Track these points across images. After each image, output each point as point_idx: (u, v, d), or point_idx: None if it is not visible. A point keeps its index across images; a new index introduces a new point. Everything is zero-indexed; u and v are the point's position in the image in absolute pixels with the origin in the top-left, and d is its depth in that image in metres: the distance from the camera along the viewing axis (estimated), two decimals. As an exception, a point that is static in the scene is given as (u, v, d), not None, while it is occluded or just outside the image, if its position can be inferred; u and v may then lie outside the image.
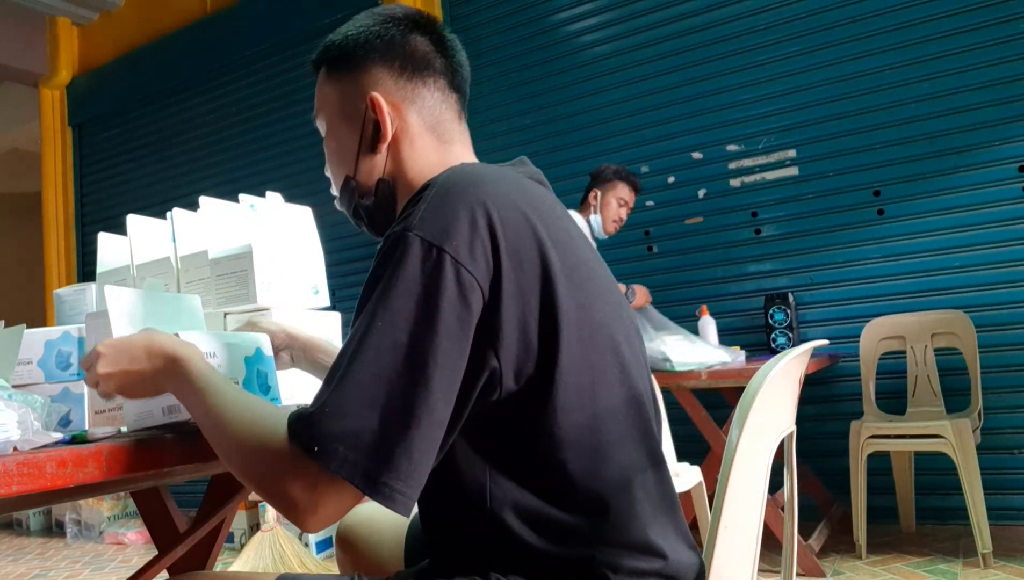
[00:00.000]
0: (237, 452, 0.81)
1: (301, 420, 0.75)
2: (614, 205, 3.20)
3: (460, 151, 1.01)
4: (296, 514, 0.75)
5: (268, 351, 1.12)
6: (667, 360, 2.74)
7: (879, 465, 3.11)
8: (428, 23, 1.01)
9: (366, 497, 0.74)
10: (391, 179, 1.00)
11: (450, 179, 0.84)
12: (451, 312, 0.75)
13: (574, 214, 3.23)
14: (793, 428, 1.01)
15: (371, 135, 0.99)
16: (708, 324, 3.18)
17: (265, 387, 1.09)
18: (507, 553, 0.82)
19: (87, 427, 1.17)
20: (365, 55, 0.99)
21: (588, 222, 3.22)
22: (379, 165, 1.00)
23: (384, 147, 0.99)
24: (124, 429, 1.03)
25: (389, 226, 0.83)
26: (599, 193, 3.21)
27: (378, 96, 0.98)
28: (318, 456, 0.72)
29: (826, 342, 1.18)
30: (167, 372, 0.89)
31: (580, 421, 0.82)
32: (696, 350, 2.81)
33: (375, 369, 0.74)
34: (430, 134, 0.99)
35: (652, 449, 0.90)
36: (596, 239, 3.25)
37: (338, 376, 0.75)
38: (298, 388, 1.35)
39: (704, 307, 3.28)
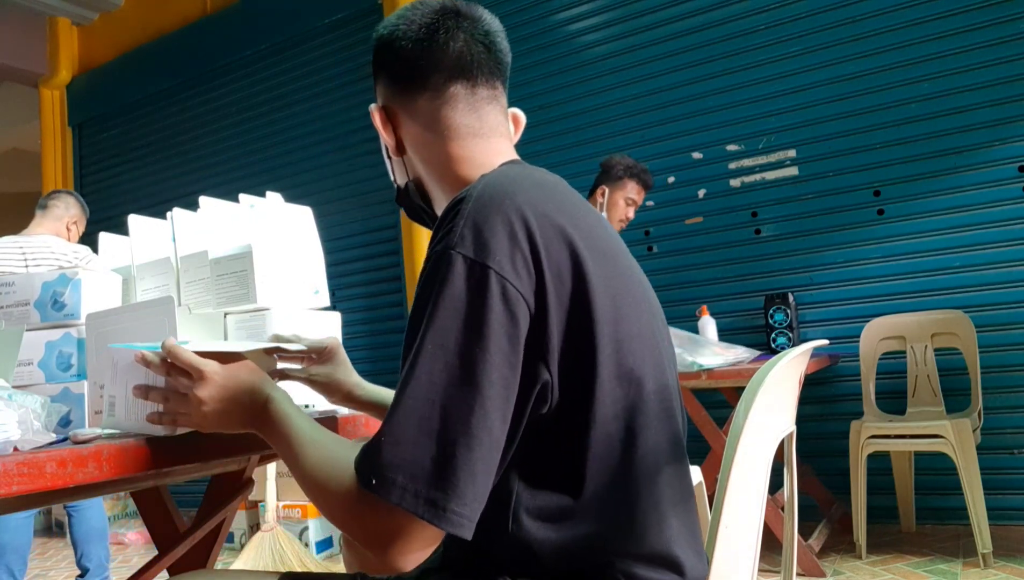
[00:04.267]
0: (320, 498, 0.80)
1: (363, 454, 0.75)
2: (621, 205, 3.09)
3: (497, 145, 0.99)
4: (378, 552, 0.73)
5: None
6: (694, 362, 2.72)
7: (879, 465, 3.11)
8: (446, 17, 0.97)
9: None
10: (417, 181, 1.02)
11: (485, 191, 0.83)
12: (500, 329, 0.74)
13: None
14: (793, 428, 1.01)
15: (390, 143, 1.01)
16: (708, 324, 3.18)
17: None
18: (523, 557, 0.81)
19: (87, 427, 1.17)
20: (378, 67, 1.01)
21: None
22: (405, 168, 1.02)
23: (401, 154, 1.01)
24: (107, 431, 1.03)
25: (433, 221, 0.82)
26: (607, 191, 3.09)
27: (373, 109, 1.00)
28: (377, 489, 0.71)
29: (826, 342, 1.18)
30: (260, 418, 0.89)
31: (613, 432, 0.81)
32: (724, 352, 2.80)
33: (429, 394, 0.73)
34: (454, 132, 0.97)
35: (680, 457, 0.90)
36: None
37: (393, 405, 0.74)
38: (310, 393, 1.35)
39: (704, 307, 3.28)
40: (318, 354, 1.18)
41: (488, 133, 0.98)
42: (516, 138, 1.06)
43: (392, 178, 1.06)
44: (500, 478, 0.79)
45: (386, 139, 1.00)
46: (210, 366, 0.91)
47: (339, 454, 0.80)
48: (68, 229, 3.23)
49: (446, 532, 0.72)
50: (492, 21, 1.01)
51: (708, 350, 2.82)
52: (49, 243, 2.98)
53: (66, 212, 3.24)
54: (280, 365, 1.19)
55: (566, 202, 0.88)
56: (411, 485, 0.71)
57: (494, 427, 0.73)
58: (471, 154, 0.97)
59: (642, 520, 0.82)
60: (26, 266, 2.87)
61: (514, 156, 1.01)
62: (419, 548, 0.74)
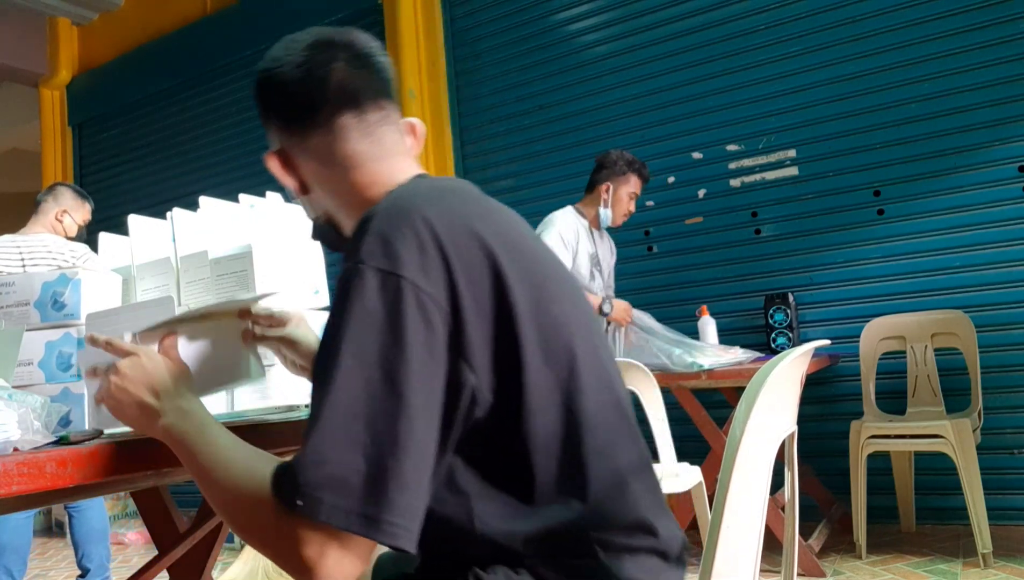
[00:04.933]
0: (236, 521, 0.79)
1: (283, 474, 0.73)
2: (625, 200, 3.14)
3: (398, 164, 0.98)
4: (308, 576, 0.71)
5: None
6: (693, 363, 2.73)
7: (879, 465, 3.11)
8: (319, 49, 0.96)
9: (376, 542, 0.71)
10: (327, 215, 1.02)
11: (391, 205, 0.84)
12: (418, 337, 0.74)
13: (568, 210, 3.20)
14: (794, 428, 1.01)
15: (292, 185, 1.02)
16: (708, 324, 3.17)
17: None
18: (496, 552, 0.81)
19: (87, 427, 1.17)
20: (264, 112, 1.01)
21: (595, 215, 3.19)
22: (313, 205, 1.03)
23: (307, 193, 1.01)
24: (106, 431, 1.03)
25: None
26: (611, 186, 3.13)
27: (268, 156, 1.00)
28: (304, 510, 0.70)
29: (828, 342, 1.18)
30: (167, 425, 0.87)
31: (552, 417, 0.81)
32: (724, 353, 2.80)
33: (351, 408, 0.72)
34: (352, 161, 0.96)
35: (627, 425, 0.90)
36: (600, 229, 3.25)
37: (312, 421, 0.72)
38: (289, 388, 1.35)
39: (704, 307, 3.28)
40: (287, 320, 1.20)
41: (386, 155, 0.97)
42: (419, 148, 1.05)
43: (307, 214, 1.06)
44: (455, 483, 0.80)
45: (287, 183, 1.00)
46: (125, 362, 0.91)
47: (254, 470, 0.78)
48: (59, 220, 3.17)
49: (386, 545, 0.71)
50: (367, 41, 0.99)
51: (708, 350, 2.82)
52: (46, 242, 2.97)
53: (55, 204, 3.17)
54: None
55: (473, 204, 0.89)
56: (340, 502, 0.69)
57: (421, 436, 0.73)
58: (373, 179, 0.96)
59: (604, 493, 0.82)
60: (23, 266, 2.86)
61: (418, 170, 1.00)
62: (350, 568, 0.72)
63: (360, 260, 0.77)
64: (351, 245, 0.81)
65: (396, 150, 0.98)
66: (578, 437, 0.82)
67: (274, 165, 1.00)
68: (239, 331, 1.12)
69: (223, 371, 1.09)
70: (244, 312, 1.13)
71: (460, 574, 0.82)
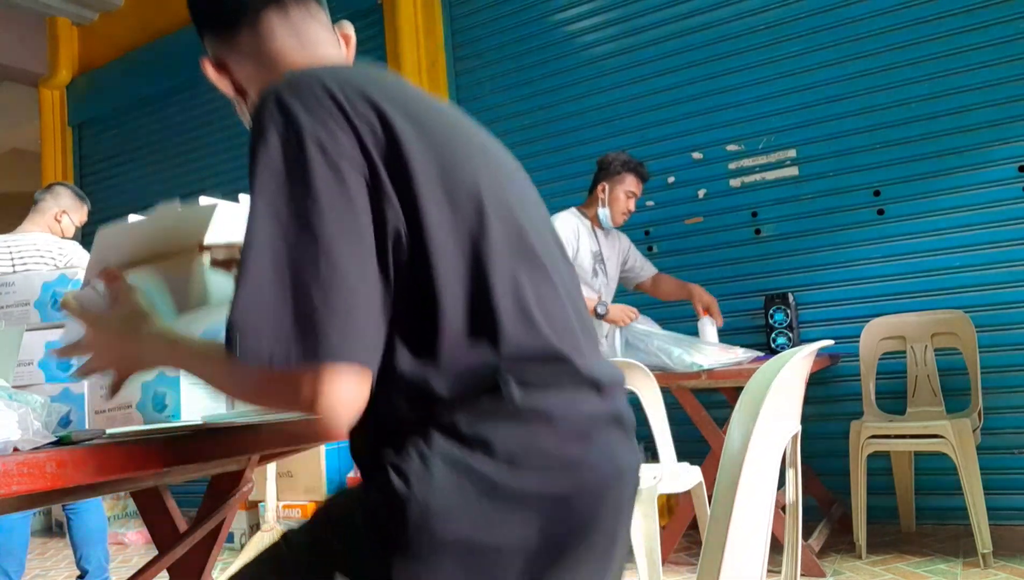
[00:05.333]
0: (247, 396, 0.84)
1: (227, 334, 0.75)
2: (622, 198, 3.17)
3: (323, 53, 1.00)
4: (312, 410, 0.74)
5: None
6: (693, 363, 2.73)
7: (879, 465, 3.11)
8: None
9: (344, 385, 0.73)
10: None
11: (290, 74, 0.87)
12: (324, 180, 0.76)
13: (571, 211, 3.22)
14: (799, 428, 1.01)
15: (226, 89, 1.04)
16: (707, 325, 3.17)
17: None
18: (416, 393, 0.80)
19: (87, 427, 1.17)
20: (196, 20, 1.04)
21: (596, 215, 3.21)
22: (247, 109, 1.04)
23: (243, 95, 1.03)
24: (110, 431, 1.03)
25: None
26: (607, 186, 3.17)
27: (204, 62, 1.02)
28: (258, 359, 0.73)
29: (831, 342, 1.17)
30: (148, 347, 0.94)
31: (458, 263, 0.82)
32: (719, 352, 2.80)
33: (274, 259, 0.75)
34: (280, 56, 0.98)
35: (532, 255, 0.88)
36: (604, 229, 3.26)
37: (239, 277, 0.75)
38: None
39: (703, 308, 3.28)
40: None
41: (311, 46, 0.99)
42: (350, 56, 1.06)
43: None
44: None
45: (222, 87, 1.02)
46: (91, 316, 0.99)
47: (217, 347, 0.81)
48: (58, 220, 3.17)
49: (346, 366, 0.73)
50: None
51: (708, 350, 2.82)
52: (36, 241, 2.97)
53: (55, 204, 3.18)
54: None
55: (377, 77, 0.90)
56: (279, 347, 0.72)
57: (346, 271, 0.74)
58: (324, 56, 1.00)
59: (513, 328, 0.82)
60: (13, 267, 2.86)
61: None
62: (344, 394, 0.74)
63: (262, 120, 0.80)
64: (252, 114, 0.84)
65: (322, 44, 1.00)
66: (480, 272, 0.82)
67: (210, 71, 1.02)
68: (194, 263, 1.14)
69: (183, 299, 1.11)
70: (202, 246, 1.15)
71: (377, 464, 0.80)
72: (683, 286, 3.34)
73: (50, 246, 2.97)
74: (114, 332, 0.97)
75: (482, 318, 0.81)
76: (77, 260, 2.97)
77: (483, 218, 0.84)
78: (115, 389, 0.98)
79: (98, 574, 2.97)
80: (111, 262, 1.08)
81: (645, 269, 3.47)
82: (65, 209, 3.20)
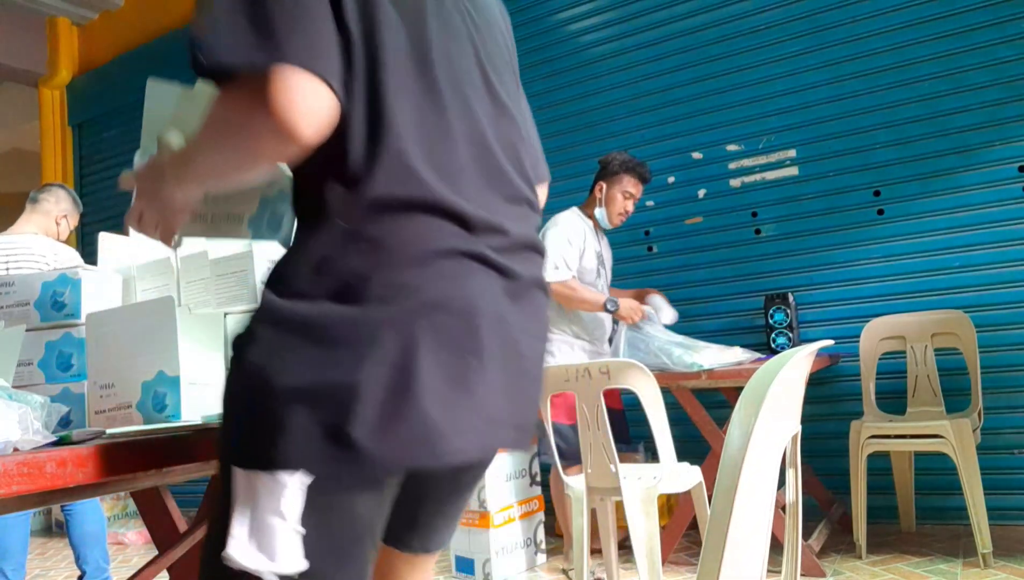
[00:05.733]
0: (228, 134, 0.82)
1: (197, 61, 0.76)
2: (619, 199, 3.13)
3: None
4: (278, 119, 0.74)
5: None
6: (694, 363, 2.73)
7: (879, 465, 3.11)
8: None
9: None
10: None
11: None
12: None
13: (573, 210, 3.19)
14: (799, 428, 1.01)
15: None
16: (656, 299, 3.12)
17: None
18: (342, 205, 0.82)
19: (88, 427, 1.17)
20: None
21: (593, 215, 3.19)
22: None
23: None
24: (110, 431, 1.03)
25: None
26: (604, 186, 3.14)
27: None
28: (229, 71, 0.75)
29: (831, 342, 1.17)
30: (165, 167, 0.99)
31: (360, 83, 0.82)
32: (720, 353, 2.80)
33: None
34: None
35: (427, 70, 0.88)
36: (603, 229, 3.23)
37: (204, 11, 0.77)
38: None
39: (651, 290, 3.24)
40: None
41: None
42: None
43: None
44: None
45: None
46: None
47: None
48: (57, 224, 3.17)
49: (305, 72, 0.74)
50: None
51: (708, 350, 2.82)
52: (30, 244, 2.95)
53: (56, 206, 3.17)
54: None
55: None
56: (240, 51, 0.74)
57: (307, 5, 0.76)
58: None
59: (366, 159, 0.82)
60: (7, 268, 2.85)
61: None
62: (295, 98, 0.73)
63: None
64: None
65: None
66: (373, 90, 0.83)
67: None
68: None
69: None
70: None
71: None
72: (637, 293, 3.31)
73: (44, 250, 2.96)
74: (144, 176, 1.04)
75: (338, 149, 0.81)
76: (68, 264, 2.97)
77: (379, 48, 0.83)
78: (167, 237, 1.01)
79: (96, 575, 2.96)
80: (159, 125, 1.09)
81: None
82: (65, 213, 3.20)
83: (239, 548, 0.77)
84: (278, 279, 0.83)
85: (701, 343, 2.89)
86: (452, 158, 0.88)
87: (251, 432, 0.79)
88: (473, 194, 0.88)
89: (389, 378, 0.77)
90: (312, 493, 0.77)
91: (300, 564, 0.77)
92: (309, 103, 0.74)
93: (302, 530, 0.77)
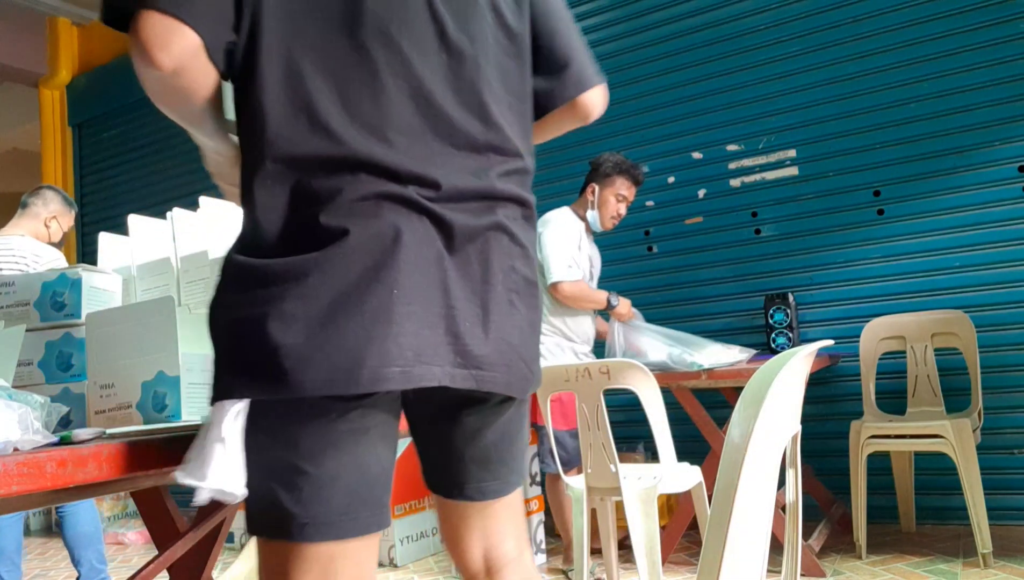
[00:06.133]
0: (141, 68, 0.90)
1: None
2: (612, 202, 3.04)
3: None
4: (145, 58, 0.85)
5: None
6: (694, 363, 2.72)
7: (879, 465, 3.11)
8: None
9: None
10: None
11: None
12: None
13: (565, 210, 3.14)
14: (799, 428, 1.01)
15: None
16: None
17: None
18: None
19: (87, 427, 1.17)
20: None
21: (585, 217, 3.10)
22: None
23: None
24: (110, 431, 1.03)
25: None
26: (596, 188, 3.05)
27: None
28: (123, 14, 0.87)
29: (831, 342, 1.17)
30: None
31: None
32: (719, 352, 2.80)
33: None
34: None
35: (353, 32, 0.92)
36: (594, 233, 3.17)
37: None
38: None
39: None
40: None
41: None
42: None
43: None
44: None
45: None
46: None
47: None
48: (47, 226, 3.15)
49: (159, 13, 0.84)
50: None
51: (708, 350, 2.82)
52: (12, 245, 2.94)
53: (44, 208, 3.16)
54: None
55: None
56: (126, 4, 0.86)
57: None
58: None
59: (283, 119, 0.90)
60: None
61: None
62: (149, 32, 0.84)
63: None
64: None
65: None
66: (257, 68, 0.90)
67: None
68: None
69: None
70: None
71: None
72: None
73: (25, 252, 2.93)
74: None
75: (257, 112, 0.91)
76: (51, 266, 2.94)
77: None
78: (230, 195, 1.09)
79: (92, 576, 2.94)
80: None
81: None
82: (55, 214, 3.18)
83: (181, 470, 0.86)
84: (235, 238, 0.94)
85: (701, 343, 2.88)
86: (381, 113, 0.92)
87: (214, 372, 0.89)
88: (406, 146, 0.92)
89: (309, 311, 0.84)
90: (255, 419, 0.85)
91: (234, 486, 0.85)
92: (160, 35, 0.84)
93: (240, 453, 0.85)
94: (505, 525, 1.10)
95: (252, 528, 0.90)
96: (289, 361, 0.83)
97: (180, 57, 0.85)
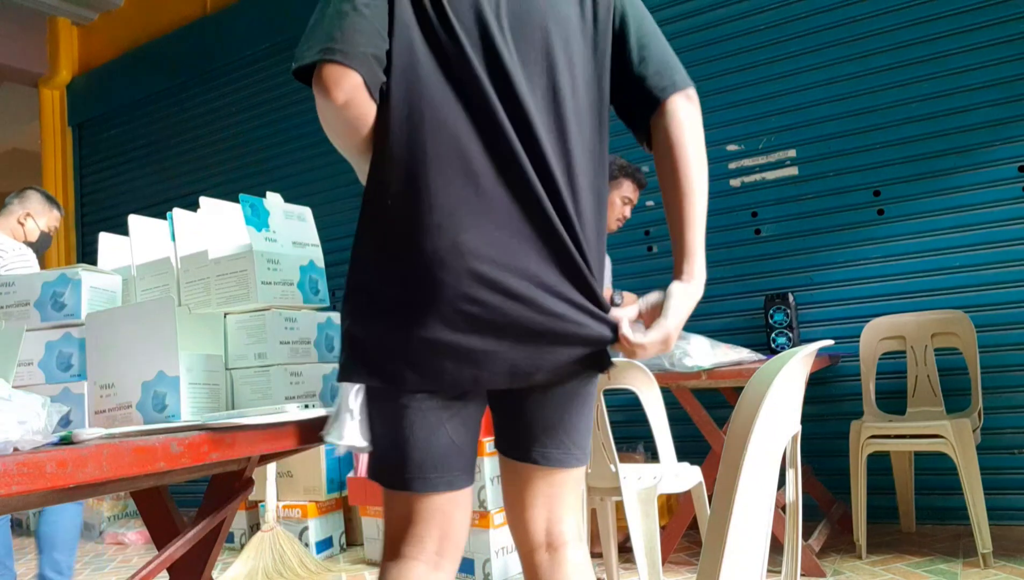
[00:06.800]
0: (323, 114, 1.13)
1: (298, 67, 1.11)
2: (619, 204, 3.11)
3: None
4: (322, 96, 1.08)
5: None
6: (694, 364, 2.72)
7: (879, 465, 3.11)
8: None
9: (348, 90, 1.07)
10: None
11: None
12: None
13: None
14: (799, 428, 1.01)
15: None
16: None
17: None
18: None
19: (87, 427, 1.17)
20: None
21: None
22: None
23: None
24: (110, 431, 1.03)
25: None
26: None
27: None
28: (304, 62, 1.09)
29: (831, 342, 1.17)
30: None
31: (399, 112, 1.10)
32: (717, 351, 2.80)
33: (323, 14, 1.11)
34: None
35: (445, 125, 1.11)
36: None
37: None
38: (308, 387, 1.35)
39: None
40: None
41: None
42: None
43: None
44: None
45: None
46: None
47: None
48: (21, 223, 3.09)
49: (337, 64, 1.06)
50: None
51: (708, 350, 2.82)
52: None
53: (20, 207, 3.11)
54: None
55: None
56: (309, 52, 1.08)
57: (365, 24, 1.08)
58: None
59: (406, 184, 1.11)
60: None
61: None
62: (333, 86, 1.07)
63: None
64: None
65: None
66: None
67: None
68: None
69: None
70: None
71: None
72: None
73: None
74: None
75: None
76: (14, 264, 2.88)
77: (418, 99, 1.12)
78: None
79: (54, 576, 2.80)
80: None
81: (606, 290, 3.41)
82: (30, 212, 3.12)
83: (325, 432, 1.15)
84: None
85: (701, 342, 2.88)
86: (448, 198, 1.12)
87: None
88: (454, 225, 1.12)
89: (383, 330, 1.10)
90: (369, 397, 1.14)
91: (362, 444, 1.14)
92: (334, 78, 1.07)
93: (362, 420, 1.15)
94: (567, 500, 1.21)
95: (367, 474, 1.20)
96: (373, 364, 1.12)
97: (349, 92, 1.07)
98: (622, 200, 3.12)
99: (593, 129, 1.27)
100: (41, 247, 3.18)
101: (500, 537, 3.04)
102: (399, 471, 1.12)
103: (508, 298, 1.06)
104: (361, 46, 1.07)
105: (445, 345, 1.06)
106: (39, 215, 3.15)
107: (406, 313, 1.08)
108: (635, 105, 1.34)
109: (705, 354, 2.76)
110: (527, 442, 1.19)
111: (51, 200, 3.22)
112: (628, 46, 1.34)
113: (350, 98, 1.07)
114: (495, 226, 1.08)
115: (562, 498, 1.20)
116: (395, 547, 1.15)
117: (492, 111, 1.10)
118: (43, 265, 6.08)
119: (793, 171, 3.53)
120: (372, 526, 3.47)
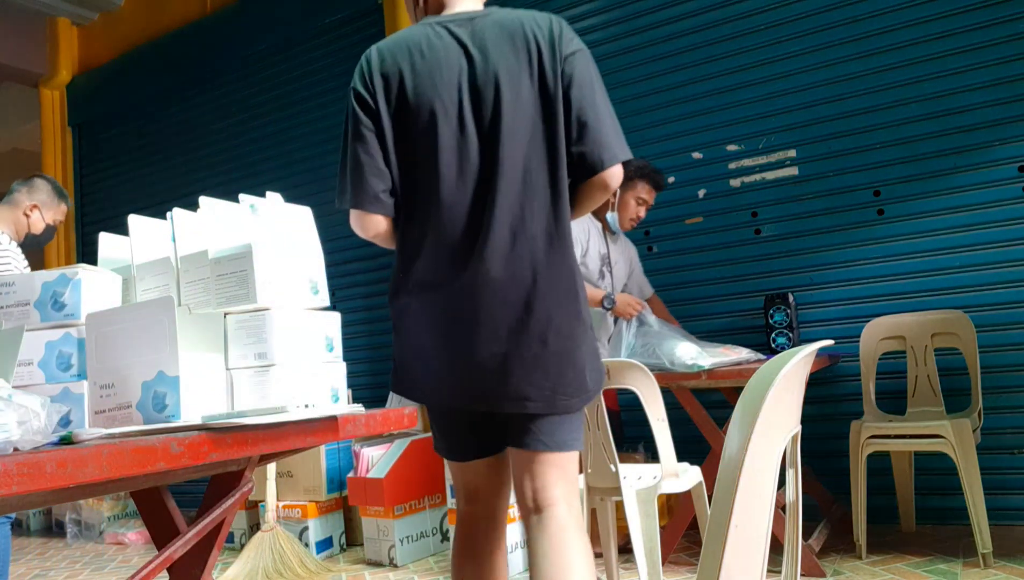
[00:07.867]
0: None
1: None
2: (632, 204, 3.14)
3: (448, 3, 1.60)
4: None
5: None
6: (694, 363, 2.72)
7: (879, 465, 3.11)
8: None
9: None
10: None
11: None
12: (355, 117, 1.50)
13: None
14: (799, 428, 1.01)
15: None
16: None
17: None
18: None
19: (87, 427, 1.17)
20: None
21: (605, 218, 3.16)
22: None
23: None
24: (110, 431, 1.03)
25: None
26: (617, 190, 3.10)
27: None
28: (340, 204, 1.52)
29: (831, 342, 1.17)
30: None
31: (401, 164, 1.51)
32: (717, 352, 2.79)
33: (344, 159, 1.52)
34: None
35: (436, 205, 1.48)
36: (614, 233, 3.22)
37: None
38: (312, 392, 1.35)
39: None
40: None
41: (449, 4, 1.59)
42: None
43: None
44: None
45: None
46: None
47: None
48: (27, 215, 2.94)
49: (356, 209, 1.49)
50: None
51: (708, 350, 2.82)
52: None
53: (28, 198, 2.95)
54: None
55: (413, 40, 1.51)
56: (343, 200, 1.50)
57: (362, 161, 1.47)
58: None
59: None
60: None
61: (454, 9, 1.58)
62: (361, 227, 1.52)
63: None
64: None
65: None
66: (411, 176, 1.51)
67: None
68: None
69: None
70: None
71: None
72: (668, 317, 3.28)
73: None
74: None
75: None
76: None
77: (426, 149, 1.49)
78: None
79: None
80: None
81: (644, 289, 3.41)
82: (38, 204, 2.97)
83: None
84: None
85: (701, 342, 2.88)
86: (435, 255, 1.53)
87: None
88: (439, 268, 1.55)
89: (404, 354, 1.52)
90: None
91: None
92: (363, 222, 1.51)
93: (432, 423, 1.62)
94: (551, 476, 1.45)
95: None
96: (402, 384, 1.55)
97: (374, 231, 1.51)
98: (636, 201, 3.15)
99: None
100: (44, 239, 3.07)
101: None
102: (439, 448, 1.63)
103: None
104: (375, 189, 1.46)
105: None
106: (46, 208, 3.00)
107: None
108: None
109: (710, 356, 2.75)
110: (511, 436, 1.52)
111: (60, 192, 3.07)
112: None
113: (377, 232, 1.51)
114: None
115: (545, 474, 1.46)
116: None
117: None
118: (44, 263, 6.09)
119: (793, 171, 3.53)
120: (372, 526, 3.47)
